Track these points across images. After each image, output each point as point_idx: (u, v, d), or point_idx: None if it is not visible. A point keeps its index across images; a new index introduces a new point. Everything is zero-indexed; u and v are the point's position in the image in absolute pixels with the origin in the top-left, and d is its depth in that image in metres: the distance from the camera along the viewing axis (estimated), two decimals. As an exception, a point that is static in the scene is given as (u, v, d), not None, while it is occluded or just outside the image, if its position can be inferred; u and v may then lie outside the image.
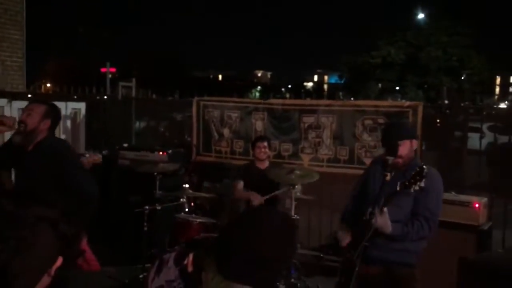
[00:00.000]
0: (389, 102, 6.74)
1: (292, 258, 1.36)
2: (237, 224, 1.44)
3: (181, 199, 4.40)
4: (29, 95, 8.52)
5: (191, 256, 1.54)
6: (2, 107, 5.94)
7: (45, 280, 1.14)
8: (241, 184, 4.98)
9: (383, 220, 2.76)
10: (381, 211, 2.74)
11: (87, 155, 4.56)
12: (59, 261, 1.14)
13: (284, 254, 1.37)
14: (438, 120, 5.96)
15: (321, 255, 5.52)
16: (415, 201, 2.91)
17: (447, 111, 5.51)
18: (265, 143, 5.11)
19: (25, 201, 1.13)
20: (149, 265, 4.14)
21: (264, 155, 5.07)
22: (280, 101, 6.43)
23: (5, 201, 1.11)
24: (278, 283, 1.30)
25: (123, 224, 4.97)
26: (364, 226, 2.91)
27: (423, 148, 6.21)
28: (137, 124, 7.63)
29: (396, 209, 2.83)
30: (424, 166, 2.76)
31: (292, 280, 4.18)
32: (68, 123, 6.49)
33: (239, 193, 4.96)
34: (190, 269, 1.50)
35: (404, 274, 2.98)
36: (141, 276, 4.21)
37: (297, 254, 5.22)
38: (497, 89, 57.99)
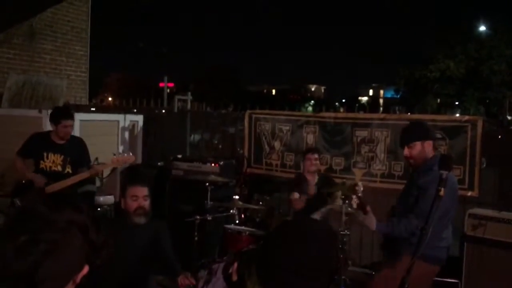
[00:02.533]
0: (446, 116, 6.52)
1: (334, 271, 1.32)
2: (277, 236, 1.43)
3: (231, 210, 4.43)
4: (92, 108, 8.96)
5: (235, 265, 1.54)
6: (66, 118, 6.25)
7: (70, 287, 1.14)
8: (296, 194, 4.96)
9: (367, 219, 3.03)
10: (365, 210, 3.00)
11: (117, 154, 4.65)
12: (85, 269, 1.14)
13: (326, 267, 1.34)
14: (499, 136, 5.68)
15: (373, 272, 5.37)
16: (415, 199, 3.06)
17: (510, 127, 5.23)
18: (316, 155, 5.07)
19: (58, 205, 1.14)
20: (198, 274, 4.21)
21: (314, 167, 5.02)
22: (332, 114, 6.37)
23: (39, 204, 1.13)
24: None
25: (175, 233, 5.06)
26: None
27: (484, 165, 5.94)
28: (192, 136, 7.81)
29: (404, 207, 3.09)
30: (433, 167, 2.93)
31: (342, 296, 4.08)
32: (126, 134, 6.77)
33: (298, 202, 4.93)
34: (234, 278, 1.51)
35: (419, 269, 2.96)
36: (191, 286, 4.25)
37: (348, 271, 5.12)
38: None
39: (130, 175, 4.81)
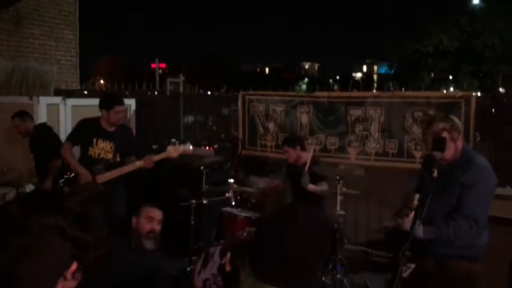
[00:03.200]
0: (440, 93, 6.48)
1: (325, 258, 1.31)
2: (268, 225, 1.42)
3: (227, 194, 4.43)
4: (84, 92, 8.88)
5: (228, 255, 1.54)
6: (57, 104, 6.21)
7: (67, 284, 1.13)
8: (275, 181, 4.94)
9: (409, 223, 2.68)
10: (403, 214, 2.70)
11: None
12: (74, 265, 1.13)
13: (317, 255, 1.34)
14: (493, 110, 5.67)
15: (369, 250, 5.43)
16: (458, 198, 2.82)
17: (504, 99, 5.22)
18: (285, 147, 4.84)
19: (32, 207, 1.12)
20: (195, 257, 4.23)
21: (291, 158, 4.86)
22: (325, 93, 6.34)
23: (13, 207, 1.12)
24: (315, 284, 1.24)
25: (171, 217, 5.07)
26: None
27: (478, 139, 5.96)
28: (186, 118, 7.77)
29: (443, 208, 2.79)
30: (473, 160, 2.75)
31: (338, 276, 4.13)
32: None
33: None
34: (227, 268, 1.50)
35: (460, 268, 2.90)
36: (188, 268, 4.29)
37: (344, 250, 5.17)
38: (560, 76, 54.52)
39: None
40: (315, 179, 4.70)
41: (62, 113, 6.10)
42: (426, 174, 2.96)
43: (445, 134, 2.86)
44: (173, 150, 4.26)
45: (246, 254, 1.37)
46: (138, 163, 4.28)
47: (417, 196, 2.67)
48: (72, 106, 6.27)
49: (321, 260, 1.36)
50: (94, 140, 4.42)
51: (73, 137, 4.60)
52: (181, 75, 7.60)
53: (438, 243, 2.84)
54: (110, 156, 4.43)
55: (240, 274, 1.39)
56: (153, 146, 6.54)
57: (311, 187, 4.51)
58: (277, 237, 1.35)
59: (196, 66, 50.00)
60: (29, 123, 5.49)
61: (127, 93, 7.90)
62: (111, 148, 4.44)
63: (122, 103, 4.49)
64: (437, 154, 2.53)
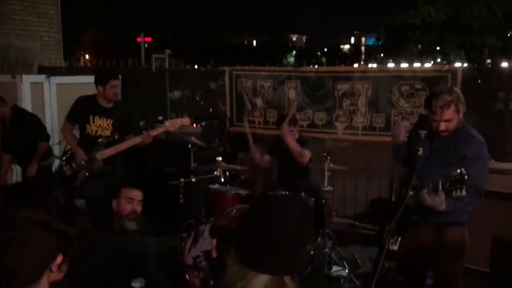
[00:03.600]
0: (426, 67, 6.50)
1: (310, 244, 1.32)
2: (251, 212, 1.42)
3: (215, 172, 4.44)
4: (69, 68, 8.72)
5: (214, 242, 1.55)
6: (41, 83, 6.11)
7: (54, 276, 1.15)
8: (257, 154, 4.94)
9: (440, 200, 2.71)
10: (437, 192, 2.68)
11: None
12: (59, 258, 1.14)
13: (301, 241, 1.35)
14: (479, 81, 5.69)
15: (356, 223, 5.52)
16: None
17: (490, 71, 5.24)
18: (291, 128, 4.76)
19: (14, 202, 1.12)
20: (185, 235, 4.27)
21: (295, 138, 4.81)
22: (313, 68, 6.32)
23: None
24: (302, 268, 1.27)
25: (160, 196, 5.08)
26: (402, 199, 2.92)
27: (464, 110, 5.99)
28: (173, 93, 7.70)
29: (444, 179, 2.78)
30: (472, 134, 2.87)
31: (326, 250, 4.20)
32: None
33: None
34: (214, 254, 1.52)
35: (454, 233, 3.03)
36: (178, 247, 4.32)
37: (332, 223, 5.25)
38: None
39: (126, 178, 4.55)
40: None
41: (46, 92, 6.01)
42: (416, 135, 3.03)
43: (452, 106, 2.92)
44: (171, 124, 4.21)
45: (231, 241, 1.38)
46: (136, 139, 4.24)
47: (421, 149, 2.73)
48: (57, 84, 6.17)
49: (306, 245, 1.37)
50: (91, 117, 4.38)
51: (71, 116, 4.55)
52: (166, 50, 7.48)
53: (437, 212, 2.88)
54: (107, 133, 4.39)
55: (226, 260, 1.40)
56: (140, 123, 6.50)
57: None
58: (259, 224, 1.35)
59: (183, 39, 49.33)
60: (3, 107, 5.18)
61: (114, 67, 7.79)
62: (108, 125, 4.40)
63: (117, 77, 4.43)
64: (422, 133, 2.56)
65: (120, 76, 4.62)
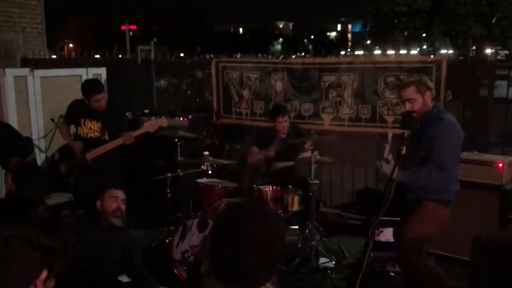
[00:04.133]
0: (411, 57, 6.55)
1: (282, 254, 1.35)
2: (217, 229, 1.43)
3: (202, 167, 4.45)
4: (53, 56, 8.59)
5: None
6: (25, 76, 6.02)
7: None
8: (255, 149, 4.99)
9: (388, 168, 3.05)
10: (386, 160, 3.05)
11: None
12: (44, 274, 1.13)
13: (268, 256, 1.37)
14: (465, 68, 5.74)
15: (343, 213, 5.58)
16: (428, 149, 3.16)
17: (469, 71, 5.30)
18: (286, 117, 4.94)
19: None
20: (173, 228, 4.29)
21: (286, 129, 4.94)
22: (299, 59, 6.33)
23: None
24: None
25: (147, 189, 5.08)
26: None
27: (450, 97, 6.08)
28: (159, 83, 7.65)
29: (415, 159, 3.15)
30: (442, 116, 3.15)
31: (314, 242, 4.25)
32: (90, 89, 6.54)
33: (254, 156, 4.97)
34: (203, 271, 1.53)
35: (431, 207, 3.25)
36: (167, 240, 4.34)
37: (320, 213, 5.31)
38: (530, 32, 55.13)
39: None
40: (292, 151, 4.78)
41: (30, 85, 5.91)
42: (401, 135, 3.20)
43: (411, 86, 3.28)
44: (150, 125, 4.52)
45: (207, 256, 1.41)
46: (118, 141, 4.54)
47: (404, 148, 3.00)
48: (41, 77, 6.08)
49: (274, 259, 1.38)
50: (82, 120, 4.71)
51: (66, 118, 4.98)
52: (152, 42, 7.42)
53: (414, 189, 3.24)
54: (97, 134, 4.69)
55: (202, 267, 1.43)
56: (126, 114, 6.46)
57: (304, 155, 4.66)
58: (226, 241, 1.37)
59: (168, 27, 48.77)
60: None
61: (98, 56, 7.70)
62: (98, 127, 4.68)
63: (100, 92, 4.64)
64: (405, 132, 2.61)
65: (105, 89, 4.94)
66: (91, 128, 4.70)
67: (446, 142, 3.19)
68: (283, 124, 4.90)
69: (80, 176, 4.72)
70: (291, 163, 4.57)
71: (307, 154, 4.54)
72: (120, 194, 3.31)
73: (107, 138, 4.66)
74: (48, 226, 1.14)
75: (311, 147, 4.32)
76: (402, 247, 3.36)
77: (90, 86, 4.74)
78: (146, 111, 6.12)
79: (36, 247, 1.11)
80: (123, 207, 3.27)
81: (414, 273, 3.31)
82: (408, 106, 3.30)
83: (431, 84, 3.40)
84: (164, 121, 4.62)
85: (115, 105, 5.01)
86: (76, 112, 4.78)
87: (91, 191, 4.19)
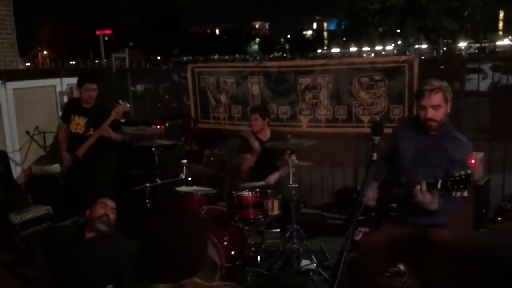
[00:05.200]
0: (384, 58, 6.66)
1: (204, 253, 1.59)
2: (144, 232, 1.61)
3: (181, 175, 4.44)
4: (27, 64, 8.45)
5: None
6: (-4, 88, 5.91)
7: None
8: (246, 155, 5.06)
9: (431, 199, 2.73)
10: (432, 191, 2.71)
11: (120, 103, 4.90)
12: None
13: (196, 250, 1.58)
14: (441, 66, 5.85)
15: (324, 214, 5.63)
16: (447, 171, 2.85)
17: (442, 67, 5.41)
18: (256, 115, 5.06)
19: None
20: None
21: (256, 127, 5.05)
22: (275, 63, 6.36)
23: None
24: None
25: (126, 199, 5.04)
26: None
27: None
28: (136, 88, 7.59)
29: (429, 180, 2.81)
30: (459, 137, 2.89)
31: (295, 245, 4.28)
32: (65, 99, 6.47)
33: (247, 162, 5.05)
34: None
35: (440, 233, 2.98)
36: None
37: (301, 214, 5.34)
38: (501, 25, 56.48)
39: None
40: (275, 156, 4.82)
41: (3, 98, 5.81)
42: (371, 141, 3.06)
43: (440, 93, 2.94)
44: (116, 113, 4.75)
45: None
46: (96, 134, 4.74)
47: (375, 154, 2.81)
48: (14, 89, 5.98)
49: (201, 248, 1.64)
50: (72, 116, 4.94)
51: (62, 116, 5.29)
52: (126, 49, 7.36)
53: (420, 213, 2.88)
54: (83, 130, 4.88)
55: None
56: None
57: (271, 178, 4.73)
58: (148, 240, 1.57)
59: (143, 30, 48.33)
60: None
61: (72, 61, 7.60)
62: (84, 123, 4.88)
63: (93, 81, 4.88)
64: (376, 139, 2.65)
65: (99, 83, 5.05)
66: (79, 123, 4.90)
67: (469, 167, 2.94)
68: (253, 122, 5.05)
69: (79, 175, 4.91)
70: (262, 183, 4.59)
71: (275, 176, 4.72)
72: (110, 203, 3.33)
73: (92, 134, 4.82)
74: (27, 255, 1.15)
75: (289, 152, 4.35)
76: None
77: (84, 74, 5.09)
78: (122, 120, 6.07)
79: (16, 274, 1.11)
80: (111, 215, 3.27)
81: None
82: (430, 113, 2.93)
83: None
84: (125, 106, 4.82)
85: (104, 104, 5.12)
86: (68, 109, 5.07)
87: (89, 194, 4.45)
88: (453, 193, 2.61)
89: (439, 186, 2.66)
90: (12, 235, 1.13)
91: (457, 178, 2.58)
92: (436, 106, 2.94)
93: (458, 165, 2.80)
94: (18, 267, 1.12)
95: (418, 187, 2.71)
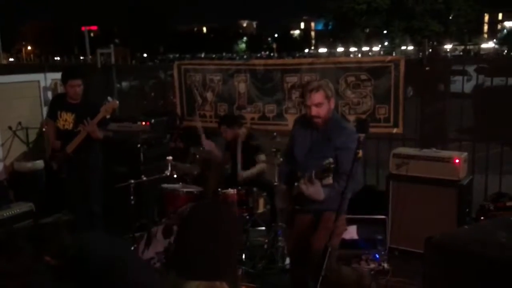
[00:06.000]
0: (371, 58, 6.71)
1: (235, 251, 1.55)
2: (180, 227, 1.57)
3: (166, 172, 4.40)
4: (10, 59, 8.32)
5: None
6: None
7: None
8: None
9: (315, 189, 2.98)
10: (311, 181, 2.95)
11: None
12: None
13: (229, 250, 1.51)
14: (426, 68, 5.90)
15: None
16: (336, 158, 3.06)
17: (427, 68, 5.45)
18: (223, 127, 5.05)
19: None
20: (138, 234, 4.24)
21: (228, 137, 5.05)
22: (262, 61, 6.37)
23: None
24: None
25: (110, 196, 4.99)
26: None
27: (411, 94, 6.24)
28: (121, 85, 7.51)
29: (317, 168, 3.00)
30: (344, 125, 3.22)
31: (280, 243, 4.28)
32: (49, 94, 6.38)
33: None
34: None
35: (328, 216, 3.17)
36: (132, 248, 4.28)
37: (286, 213, 5.34)
38: (485, 27, 57.22)
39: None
40: (252, 152, 4.81)
41: (-17, 93, 5.71)
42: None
43: (321, 91, 3.20)
44: (105, 110, 4.68)
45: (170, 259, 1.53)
46: (83, 132, 4.65)
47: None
48: (-4, 85, 5.87)
49: (235, 253, 1.60)
50: (59, 112, 4.82)
51: (48, 113, 5.09)
52: (111, 45, 7.29)
53: (314, 201, 3.12)
54: (71, 126, 4.79)
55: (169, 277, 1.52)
56: (88, 119, 6.34)
57: (244, 173, 4.74)
58: (186, 236, 1.51)
59: (130, 27, 47.94)
60: None
61: (58, 58, 7.51)
62: (72, 119, 4.78)
63: (77, 77, 4.76)
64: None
65: (83, 77, 4.91)
66: (66, 120, 4.81)
67: (353, 153, 3.05)
68: (223, 134, 5.11)
69: (68, 171, 4.84)
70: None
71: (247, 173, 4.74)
72: None
73: (81, 130, 4.74)
74: (4, 249, 1.12)
75: (274, 150, 4.35)
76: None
77: (67, 71, 4.92)
78: (108, 116, 6.01)
79: (20, 283, 1.08)
80: None
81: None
82: (314, 111, 3.22)
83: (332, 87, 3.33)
84: (115, 103, 4.76)
85: (94, 102, 5.04)
86: (54, 105, 4.96)
87: (78, 189, 4.69)
88: (323, 181, 2.89)
89: (313, 176, 2.92)
90: None
91: (323, 168, 2.85)
92: (318, 104, 3.19)
93: (342, 151, 3.07)
94: (22, 277, 1.09)
95: (301, 181, 3.00)
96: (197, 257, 1.46)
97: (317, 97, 3.19)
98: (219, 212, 1.55)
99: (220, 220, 1.51)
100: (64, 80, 4.80)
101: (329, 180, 2.89)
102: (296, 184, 3.18)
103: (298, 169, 3.25)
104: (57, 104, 4.93)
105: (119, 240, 3.10)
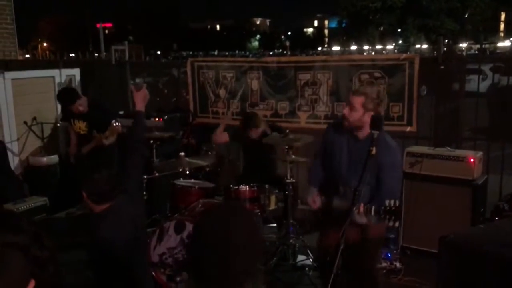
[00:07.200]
0: (385, 55, 6.64)
1: (257, 258, 1.43)
2: (196, 233, 1.47)
3: (178, 168, 4.42)
4: (26, 56, 8.42)
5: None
6: (-5, 79, 5.89)
7: None
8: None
9: (369, 221, 2.85)
10: (363, 214, 2.81)
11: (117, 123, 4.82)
12: (32, 284, 1.13)
13: (245, 257, 1.42)
14: (441, 66, 5.83)
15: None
16: (378, 177, 2.95)
17: (442, 67, 5.39)
18: (253, 129, 4.93)
19: None
20: (150, 230, 4.25)
21: (257, 136, 4.96)
22: (275, 58, 6.35)
23: None
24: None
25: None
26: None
27: (425, 93, 6.18)
28: (135, 81, 7.55)
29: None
30: (389, 141, 2.99)
31: (291, 241, 4.28)
32: (64, 90, 6.44)
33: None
34: None
35: (377, 229, 3.10)
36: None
37: (298, 210, 5.34)
38: (502, 26, 56.36)
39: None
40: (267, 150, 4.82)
41: (1, 88, 5.78)
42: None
43: (362, 97, 3.02)
44: (110, 133, 4.68)
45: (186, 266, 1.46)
46: (91, 144, 4.84)
47: (374, 148, 2.77)
48: (12, 79, 5.95)
49: (254, 259, 1.46)
50: (72, 120, 5.17)
51: (63, 118, 5.60)
52: (125, 42, 7.33)
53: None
54: (86, 132, 5.08)
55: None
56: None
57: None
58: (205, 244, 1.42)
59: (144, 25, 48.17)
60: None
61: (73, 55, 7.56)
62: (85, 126, 5.08)
63: (75, 101, 4.98)
64: (375, 133, 2.64)
65: (82, 97, 5.13)
66: (80, 127, 5.12)
67: (398, 170, 3.17)
68: (254, 134, 4.98)
69: (82, 168, 4.99)
70: None
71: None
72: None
73: (96, 134, 4.91)
74: (38, 237, 1.14)
75: (286, 147, 4.34)
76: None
77: (70, 94, 5.13)
78: (121, 112, 6.05)
79: (28, 256, 1.11)
80: None
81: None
82: (346, 112, 3.12)
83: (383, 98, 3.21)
84: (118, 128, 4.70)
85: (98, 104, 5.23)
86: (67, 113, 5.27)
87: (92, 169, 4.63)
88: (387, 222, 2.69)
89: (372, 213, 2.77)
90: (21, 219, 1.12)
91: (388, 208, 2.66)
92: (352, 107, 3.05)
93: (385, 169, 2.91)
94: (31, 249, 1.11)
95: (355, 210, 2.79)
96: (211, 270, 1.39)
97: (355, 100, 3.05)
98: (233, 223, 1.45)
99: (233, 233, 1.42)
100: (65, 105, 5.12)
101: (395, 224, 2.68)
102: (336, 199, 3.10)
103: (338, 180, 3.12)
104: (69, 111, 5.16)
105: None
